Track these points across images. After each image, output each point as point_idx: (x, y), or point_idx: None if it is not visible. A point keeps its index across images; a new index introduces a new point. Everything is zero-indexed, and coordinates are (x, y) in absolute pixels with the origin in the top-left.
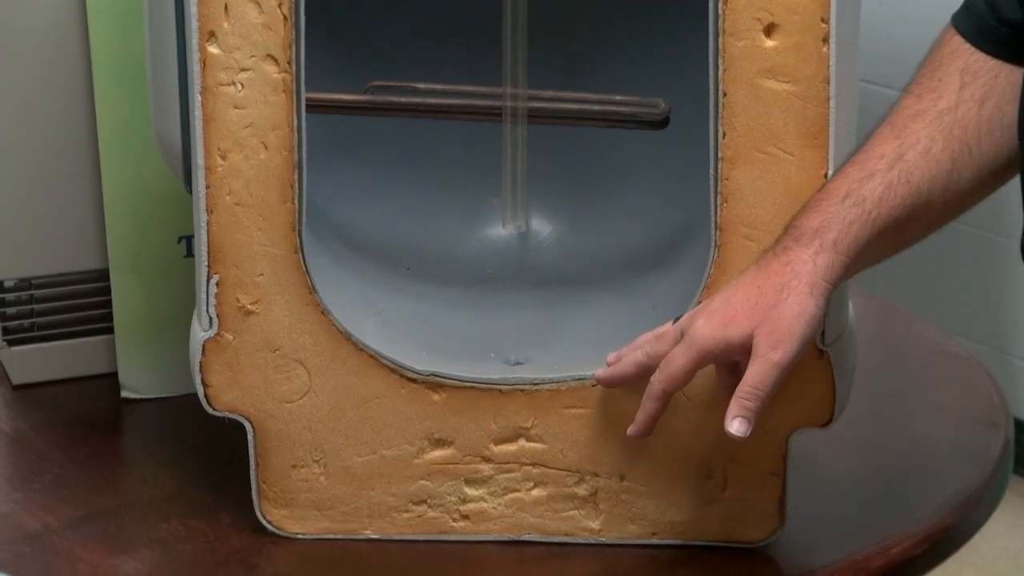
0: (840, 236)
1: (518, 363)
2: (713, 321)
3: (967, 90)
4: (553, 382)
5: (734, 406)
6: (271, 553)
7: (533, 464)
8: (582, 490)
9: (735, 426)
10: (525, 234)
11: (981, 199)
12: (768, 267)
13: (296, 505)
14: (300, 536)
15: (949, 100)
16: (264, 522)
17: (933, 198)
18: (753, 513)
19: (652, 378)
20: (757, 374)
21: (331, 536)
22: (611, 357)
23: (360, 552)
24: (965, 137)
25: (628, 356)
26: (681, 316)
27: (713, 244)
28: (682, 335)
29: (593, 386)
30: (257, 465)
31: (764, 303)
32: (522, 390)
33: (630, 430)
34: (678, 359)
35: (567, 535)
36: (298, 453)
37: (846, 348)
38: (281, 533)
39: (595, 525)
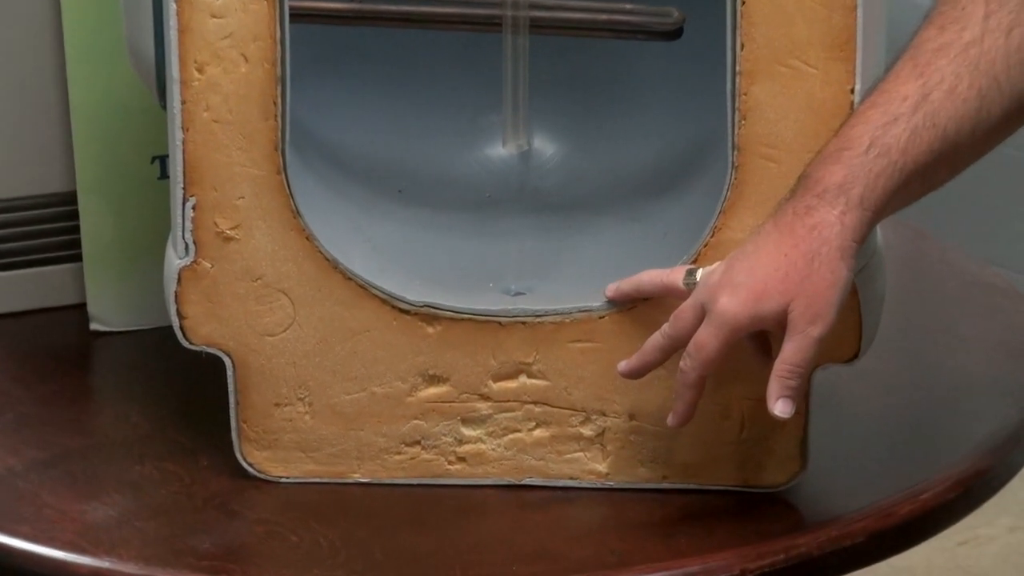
0: (866, 192)
1: (519, 293)
2: (740, 296)
3: (993, 19)
4: (557, 314)
5: (776, 386)
6: (252, 498)
7: (535, 402)
8: (588, 430)
9: (779, 407)
10: (527, 154)
11: (1011, 133)
12: (792, 231)
13: (279, 446)
14: (284, 480)
15: (974, 32)
16: (245, 465)
17: (961, 139)
18: (772, 456)
19: (684, 365)
20: (797, 351)
21: (317, 480)
22: (610, 290)
23: (349, 497)
24: (993, 71)
25: (650, 343)
26: (694, 270)
27: (730, 165)
28: (703, 311)
29: (600, 318)
30: (237, 403)
31: (795, 274)
32: (523, 322)
33: (670, 419)
34: (709, 342)
35: (571, 479)
36: (281, 390)
37: (874, 277)
38: (263, 476)
39: (602, 468)
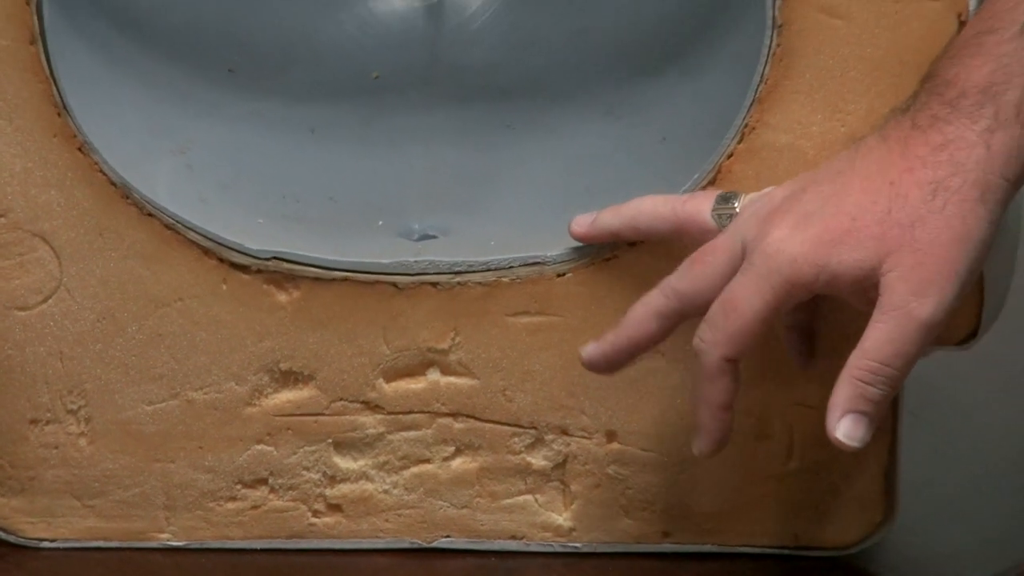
0: None
1: (427, 237)
2: (809, 231)
3: None
4: (488, 269)
5: (846, 394)
6: None
7: (453, 415)
8: (540, 460)
9: (845, 429)
10: (438, 7)
11: None
12: (907, 149)
13: (39, 490)
14: (47, 545)
15: None
16: None
17: None
18: (840, 500)
19: (702, 341)
20: (890, 339)
21: (101, 544)
22: (579, 224)
23: (151, 572)
24: None
25: (640, 309)
26: (731, 195)
27: (770, 23)
28: (741, 253)
29: (559, 276)
30: None
31: (903, 213)
32: (434, 284)
33: (695, 444)
34: (747, 301)
35: (515, 538)
36: (40, 398)
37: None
38: (14, 540)
39: (563, 520)
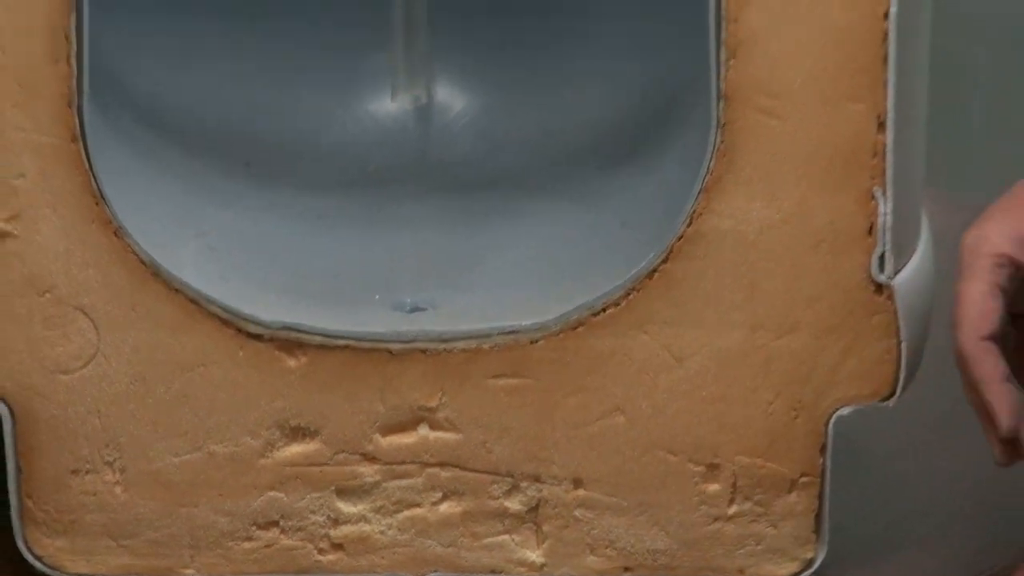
0: None
1: (417, 309)
2: (985, 217)
3: None
4: (471, 337)
5: None
6: None
7: (441, 464)
8: (516, 504)
9: None
10: (426, 110)
11: None
12: None
13: (79, 532)
14: None
15: None
16: (31, 558)
17: None
18: (777, 536)
19: (958, 338)
20: None
21: None
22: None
23: None
24: None
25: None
26: None
27: (714, 123)
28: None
29: (533, 343)
30: (19, 471)
31: None
32: (423, 351)
33: (997, 454)
34: (965, 292)
35: (494, 573)
36: (81, 451)
37: (919, 281)
38: (56, 575)
39: (536, 557)
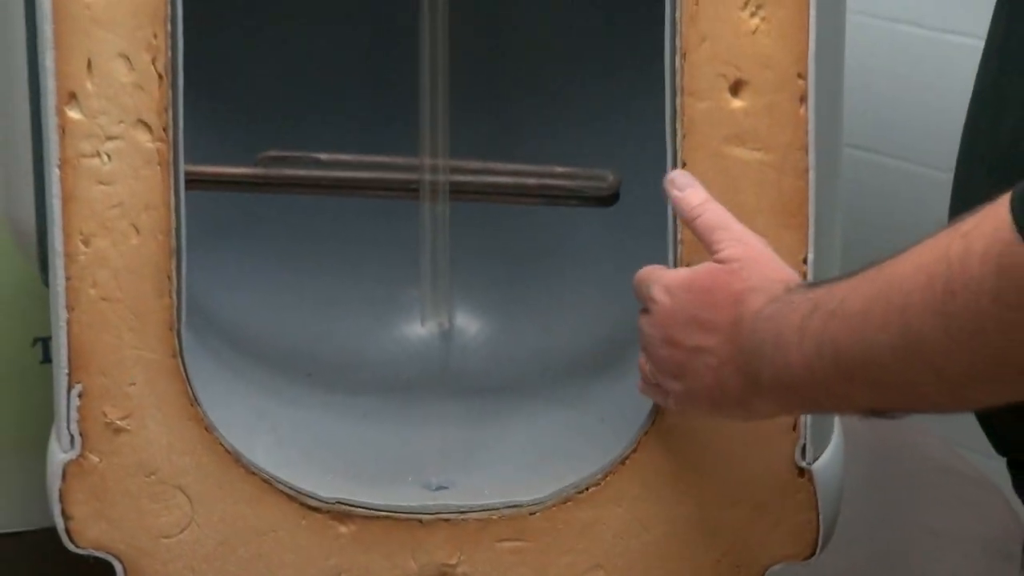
0: None
1: (441, 487)
2: None
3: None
4: (482, 510)
5: None
6: None
7: None
8: None
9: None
10: (448, 333)
11: None
12: None
13: None
14: None
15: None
16: None
17: None
18: None
19: None
20: None
21: None
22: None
23: None
24: None
25: None
26: None
27: None
28: None
29: (531, 514)
30: None
31: None
32: (446, 520)
33: None
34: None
35: None
36: None
37: (832, 466)
38: None
39: None
